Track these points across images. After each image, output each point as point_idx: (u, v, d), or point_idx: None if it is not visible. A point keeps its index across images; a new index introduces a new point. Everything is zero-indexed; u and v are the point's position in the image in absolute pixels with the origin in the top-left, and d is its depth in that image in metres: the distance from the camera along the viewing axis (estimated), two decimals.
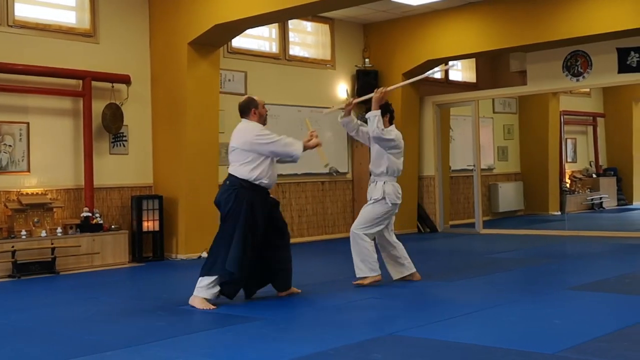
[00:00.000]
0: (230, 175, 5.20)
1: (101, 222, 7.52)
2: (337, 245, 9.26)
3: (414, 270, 5.89)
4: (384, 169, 5.82)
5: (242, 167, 5.11)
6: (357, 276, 5.73)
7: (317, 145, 5.31)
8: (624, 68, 9.32)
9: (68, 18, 7.75)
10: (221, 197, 5.19)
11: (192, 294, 5.08)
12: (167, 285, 6.62)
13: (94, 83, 7.63)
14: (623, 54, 9.29)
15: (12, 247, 6.77)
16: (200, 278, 5.04)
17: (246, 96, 5.45)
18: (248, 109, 5.28)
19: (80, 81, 7.59)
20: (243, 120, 5.30)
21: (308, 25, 10.18)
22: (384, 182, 5.79)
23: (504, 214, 12.41)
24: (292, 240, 9.41)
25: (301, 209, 9.83)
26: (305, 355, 3.64)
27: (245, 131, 5.18)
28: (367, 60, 10.52)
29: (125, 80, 7.91)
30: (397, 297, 5.35)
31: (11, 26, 7.21)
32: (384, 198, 5.73)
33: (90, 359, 3.74)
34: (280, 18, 8.40)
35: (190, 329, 4.41)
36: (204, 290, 4.99)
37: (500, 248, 8.43)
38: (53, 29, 7.56)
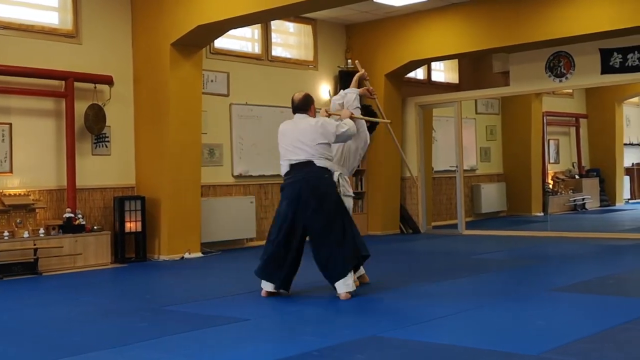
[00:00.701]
0: (320, 167, 5.41)
1: (84, 223, 7.75)
2: None
3: (364, 272, 5.96)
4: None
5: (327, 160, 5.45)
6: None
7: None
8: (607, 69, 9.54)
9: (51, 19, 7.96)
10: (326, 189, 5.41)
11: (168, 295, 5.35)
12: (150, 286, 6.80)
13: (76, 84, 7.85)
14: (606, 54, 9.51)
15: None
16: (344, 279, 5.29)
17: (302, 92, 5.69)
18: (308, 104, 5.60)
19: (63, 82, 7.81)
20: (301, 115, 5.55)
21: (290, 26, 10.45)
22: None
23: (487, 215, 12.74)
24: None
25: None
26: (288, 357, 3.72)
27: (321, 125, 5.44)
28: (349, 61, 10.79)
29: (108, 81, 8.14)
30: (380, 298, 5.46)
31: None
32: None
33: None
34: (263, 19, 8.63)
35: (173, 330, 4.51)
36: (352, 284, 5.33)
37: (483, 249, 8.64)
38: (36, 30, 7.78)
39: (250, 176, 9.63)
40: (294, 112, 5.61)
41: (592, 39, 9.27)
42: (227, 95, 9.42)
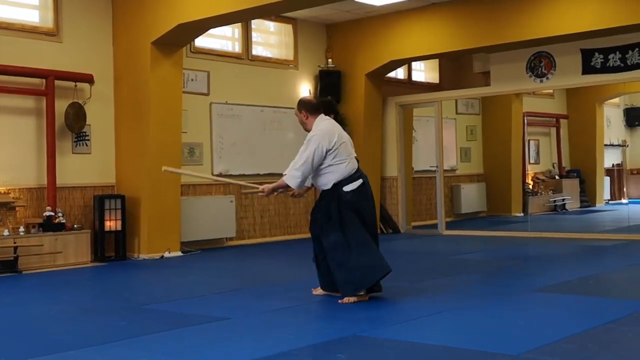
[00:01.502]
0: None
1: (64, 221, 8.02)
2: (299, 245, 9.64)
3: None
4: None
5: None
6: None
7: None
8: (588, 69, 9.77)
9: (31, 17, 8.25)
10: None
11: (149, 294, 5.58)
12: (130, 285, 7.01)
13: (57, 82, 8.13)
14: (587, 55, 9.75)
15: None
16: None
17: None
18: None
19: (44, 80, 8.09)
20: (329, 117, 5.49)
21: (271, 25, 10.76)
22: None
23: (467, 215, 13.08)
24: (254, 240, 10.16)
25: (263, 209, 10.40)
26: (267, 356, 3.83)
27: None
28: (330, 60, 11.13)
29: (89, 79, 8.43)
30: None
31: None
32: None
33: (53, 358, 3.95)
34: (243, 18, 8.92)
35: (152, 328, 4.64)
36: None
37: (463, 249, 8.87)
38: (16, 28, 8.06)
39: (230, 175, 9.91)
40: (325, 112, 5.51)
41: (574, 39, 9.49)
42: (207, 95, 9.74)
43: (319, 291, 5.64)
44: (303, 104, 5.47)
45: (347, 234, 5.23)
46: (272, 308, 5.26)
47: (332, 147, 5.24)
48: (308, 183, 5.47)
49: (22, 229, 7.72)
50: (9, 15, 8.07)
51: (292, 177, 5.25)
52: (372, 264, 5.27)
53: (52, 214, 7.93)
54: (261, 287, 6.14)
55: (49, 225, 7.88)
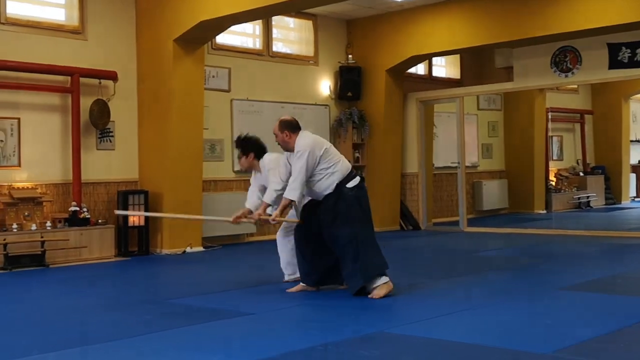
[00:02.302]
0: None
1: (88, 216, 8.45)
2: None
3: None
4: None
5: None
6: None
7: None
8: (614, 64, 9.85)
9: (57, 15, 8.69)
10: None
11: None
12: (154, 279, 7.35)
13: (82, 79, 8.55)
14: (614, 49, 9.83)
15: (4, 239, 7.66)
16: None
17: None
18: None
19: (69, 77, 8.52)
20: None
21: (291, 21, 11.09)
22: None
23: (488, 212, 13.28)
24: (274, 237, 10.29)
25: None
26: (294, 351, 3.95)
27: None
28: (350, 56, 11.43)
29: (112, 76, 8.84)
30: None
31: (3, 23, 8.15)
32: None
33: (80, 351, 4.13)
34: (264, 14, 9.29)
35: (178, 323, 4.81)
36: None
37: (485, 246, 9.03)
38: (43, 26, 8.50)
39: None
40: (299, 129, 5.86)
41: (600, 33, 9.54)
42: (228, 91, 10.12)
43: (299, 288, 5.94)
44: (285, 125, 5.78)
45: (356, 229, 5.54)
46: (295, 304, 5.45)
47: (323, 151, 5.64)
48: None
49: (48, 223, 8.15)
50: (36, 14, 8.50)
51: (291, 190, 5.58)
52: (378, 258, 5.61)
53: (78, 209, 8.35)
54: (283, 283, 6.32)
55: (74, 220, 8.31)
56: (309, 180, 5.63)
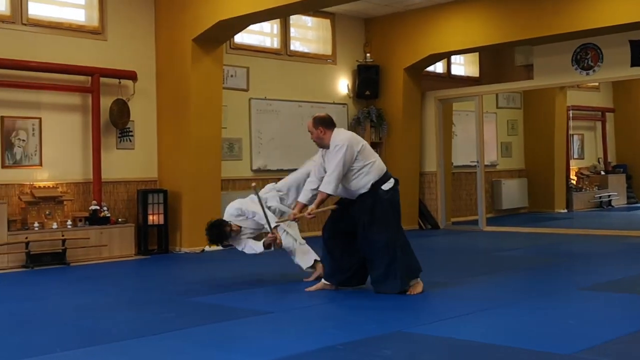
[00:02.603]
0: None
1: (108, 215, 8.62)
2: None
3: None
4: None
5: None
6: None
7: None
8: (637, 61, 9.82)
9: (78, 16, 8.88)
10: None
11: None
12: (173, 277, 7.43)
13: (102, 79, 8.72)
14: (636, 46, 9.81)
15: (26, 238, 7.86)
16: None
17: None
18: None
19: (89, 77, 8.70)
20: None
21: (309, 20, 11.20)
22: None
23: (507, 212, 13.29)
24: None
25: None
26: (314, 350, 3.98)
27: None
28: (368, 55, 11.53)
29: (132, 76, 9.01)
30: (402, 294, 5.62)
31: (25, 24, 8.35)
32: None
33: (101, 349, 4.19)
34: (283, 13, 9.41)
35: (198, 321, 4.88)
36: None
37: (505, 246, 9.04)
38: (64, 27, 8.68)
39: (269, 170, 10.43)
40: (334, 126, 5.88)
41: (622, 30, 9.52)
42: (246, 90, 10.26)
43: (320, 286, 5.96)
44: (319, 121, 5.79)
45: (392, 233, 5.63)
46: (313, 302, 5.50)
47: (360, 148, 5.68)
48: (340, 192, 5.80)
49: (69, 222, 8.33)
50: (57, 14, 8.70)
51: (327, 184, 5.59)
52: (415, 262, 5.72)
53: (98, 208, 8.52)
54: (302, 282, 6.37)
55: (94, 219, 8.48)
56: (344, 177, 5.64)
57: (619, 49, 10.01)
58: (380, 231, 5.61)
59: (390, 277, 5.60)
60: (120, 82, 8.96)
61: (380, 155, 11.65)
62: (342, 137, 5.71)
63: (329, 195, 5.67)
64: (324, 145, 5.77)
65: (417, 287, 5.70)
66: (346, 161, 5.59)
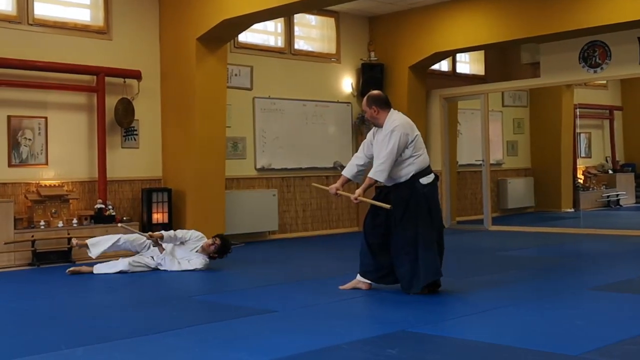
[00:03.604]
0: None
1: (114, 213, 8.91)
2: (341, 239, 10.22)
3: None
4: None
5: None
6: None
7: None
8: None
9: (83, 16, 9.18)
10: None
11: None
12: (178, 276, 7.46)
13: (107, 79, 9.01)
14: None
15: (32, 236, 8.14)
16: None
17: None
18: None
19: (95, 77, 8.99)
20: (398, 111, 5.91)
21: (313, 19, 11.40)
22: None
23: (513, 211, 13.45)
24: (296, 234, 10.79)
25: (305, 203, 11.13)
26: (319, 349, 4.04)
27: None
28: (372, 53, 11.74)
29: (137, 75, 9.29)
30: (407, 294, 5.69)
31: (31, 24, 8.66)
32: None
33: (106, 346, 4.25)
34: (287, 12, 9.60)
35: (202, 319, 5.00)
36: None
37: (511, 245, 9.13)
38: (69, 27, 8.98)
39: (273, 169, 10.69)
40: (390, 107, 5.89)
41: (630, 27, 9.58)
42: (250, 89, 10.52)
43: (355, 283, 5.98)
44: (373, 100, 5.78)
45: (420, 230, 5.61)
46: (318, 302, 5.56)
47: (413, 138, 5.67)
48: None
49: (75, 221, 8.62)
50: (62, 14, 8.99)
51: (379, 172, 5.61)
52: (434, 264, 5.68)
53: (103, 206, 8.82)
54: (306, 281, 6.55)
55: (100, 218, 8.77)
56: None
57: (627, 46, 10.11)
58: (408, 227, 5.61)
59: (415, 276, 5.61)
60: (125, 82, 9.24)
61: None
62: (399, 121, 5.68)
63: (376, 181, 5.69)
64: (378, 124, 5.77)
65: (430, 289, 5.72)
66: (400, 148, 5.59)
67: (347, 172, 6.02)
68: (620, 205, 14.50)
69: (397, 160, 5.65)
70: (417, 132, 5.77)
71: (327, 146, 11.32)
